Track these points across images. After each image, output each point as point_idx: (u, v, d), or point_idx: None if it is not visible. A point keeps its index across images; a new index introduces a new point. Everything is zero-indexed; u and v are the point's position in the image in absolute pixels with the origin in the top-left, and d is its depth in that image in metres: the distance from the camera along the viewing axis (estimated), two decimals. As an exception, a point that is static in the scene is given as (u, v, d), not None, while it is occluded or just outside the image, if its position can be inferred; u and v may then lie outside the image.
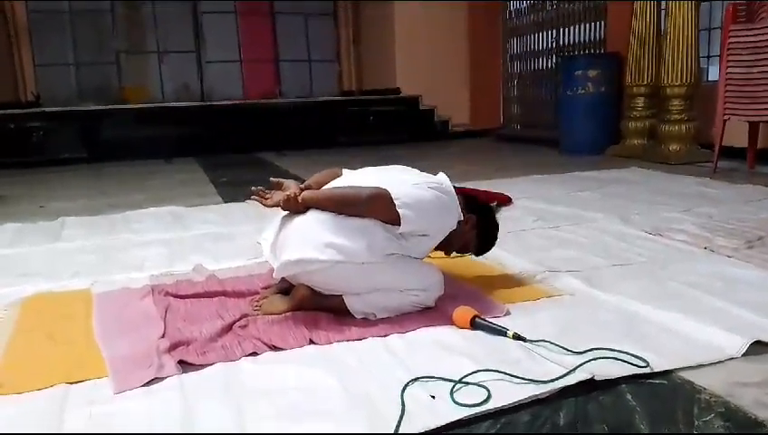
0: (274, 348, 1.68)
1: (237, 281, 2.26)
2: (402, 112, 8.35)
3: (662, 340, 1.65)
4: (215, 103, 8.28)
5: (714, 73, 5.81)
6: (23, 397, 1.46)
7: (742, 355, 1.55)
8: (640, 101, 5.83)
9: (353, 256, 1.77)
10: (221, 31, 9.31)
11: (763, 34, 4.34)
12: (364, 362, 1.58)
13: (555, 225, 3.10)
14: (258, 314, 1.91)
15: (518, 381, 1.42)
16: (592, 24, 6.96)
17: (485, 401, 1.35)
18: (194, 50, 9.21)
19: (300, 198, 1.86)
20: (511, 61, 8.66)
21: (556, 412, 1.32)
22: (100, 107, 7.62)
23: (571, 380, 1.42)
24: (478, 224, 2.07)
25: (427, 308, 1.89)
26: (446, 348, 1.64)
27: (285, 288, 2.02)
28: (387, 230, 1.83)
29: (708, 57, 5.94)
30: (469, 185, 3.94)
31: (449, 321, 1.78)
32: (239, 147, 7.32)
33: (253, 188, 1.95)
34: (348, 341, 1.71)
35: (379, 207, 1.81)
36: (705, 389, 1.40)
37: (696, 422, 1.27)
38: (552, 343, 1.61)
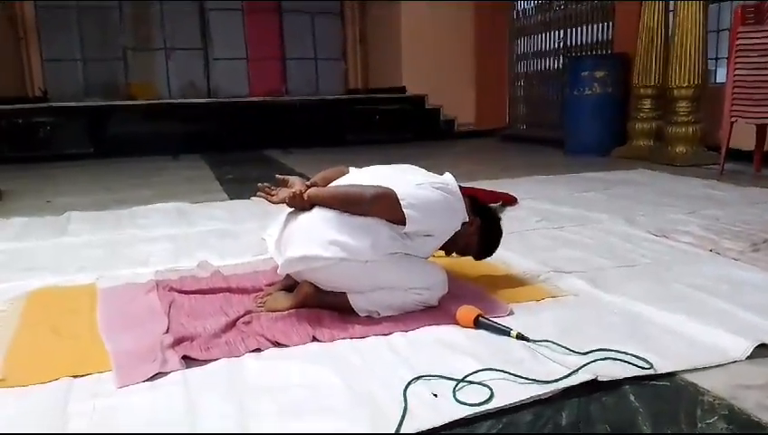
0: (278, 345, 1.68)
1: (242, 277, 2.27)
2: (408, 111, 8.34)
3: (666, 342, 1.65)
4: (221, 100, 8.29)
5: (721, 75, 5.79)
6: (27, 390, 1.47)
7: (746, 358, 1.55)
8: (647, 103, 5.81)
9: (357, 254, 1.78)
10: (228, 28, 9.32)
11: (771, 37, 4.32)
12: (367, 359, 1.58)
13: (560, 225, 3.10)
14: (262, 311, 1.91)
15: (521, 380, 1.42)
16: (600, 24, 6.94)
17: (488, 400, 1.35)
18: (201, 47, 9.23)
19: (305, 196, 1.87)
20: (517, 61, 8.64)
21: (558, 413, 1.32)
22: (107, 103, 7.64)
23: (573, 380, 1.41)
24: (482, 228, 2.07)
25: (431, 307, 1.89)
26: (450, 347, 1.64)
27: (289, 285, 2.02)
28: (392, 229, 1.83)
29: (716, 59, 5.91)
30: (474, 185, 3.95)
31: (453, 320, 1.78)
32: (245, 144, 7.33)
33: (259, 184, 1.95)
34: (351, 338, 1.71)
35: (384, 206, 1.81)
36: (708, 391, 1.40)
37: (700, 424, 1.27)
38: (555, 344, 1.61)
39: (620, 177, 4.70)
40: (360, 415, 1.31)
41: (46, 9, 8.47)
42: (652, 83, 5.72)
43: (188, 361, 1.59)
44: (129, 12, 8.93)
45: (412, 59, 8.58)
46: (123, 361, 1.58)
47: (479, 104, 9.07)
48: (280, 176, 2.03)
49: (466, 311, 1.77)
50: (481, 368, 1.48)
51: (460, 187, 2.03)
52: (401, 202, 1.80)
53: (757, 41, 4.40)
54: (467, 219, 2.00)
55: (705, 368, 1.50)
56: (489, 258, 2.20)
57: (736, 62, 4.54)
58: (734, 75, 4.55)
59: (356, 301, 1.84)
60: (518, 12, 8.52)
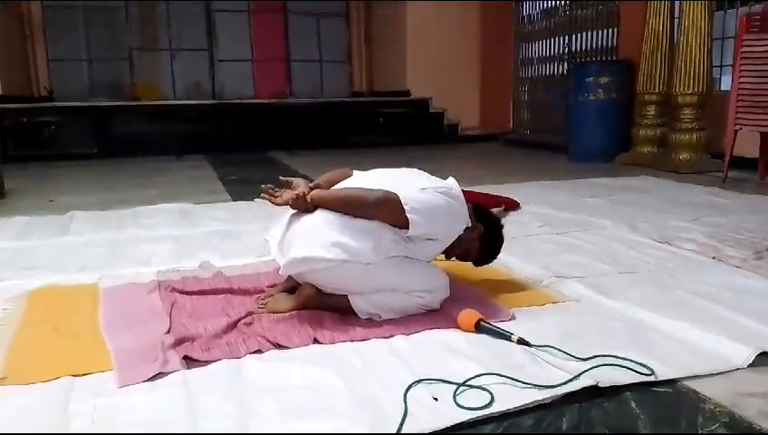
0: (279, 346, 1.68)
1: (244, 279, 2.27)
2: (412, 114, 8.35)
3: (668, 348, 1.65)
4: (226, 102, 8.31)
5: (726, 83, 5.77)
6: (28, 388, 1.47)
7: (749, 366, 1.55)
8: (651, 109, 5.81)
9: (359, 257, 1.78)
10: (233, 29, 9.34)
11: (776, 45, 4.32)
12: (368, 362, 1.58)
13: (563, 231, 3.09)
14: (263, 312, 1.92)
15: (521, 385, 1.42)
16: (605, 30, 6.93)
17: (488, 404, 1.35)
18: (206, 48, 9.25)
19: (309, 198, 1.87)
20: (522, 65, 8.64)
21: (559, 418, 1.32)
22: (112, 103, 7.66)
23: (574, 386, 1.41)
24: (484, 235, 2.07)
25: (432, 310, 1.89)
26: (451, 351, 1.64)
27: (291, 287, 2.02)
28: (394, 233, 1.83)
29: (721, 66, 5.90)
30: (477, 189, 3.94)
31: (454, 324, 1.78)
32: (249, 145, 7.34)
33: (262, 186, 1.96)
34: (352, 341, 1.71)
35: (387, 210, 1.81)
36: (710, 398, 1.39)
37: (700, 432, 1.27)
38: (556, 349, 1.61)
39: (624, 183, 4.69)
40: (360, 417, 1.31)
41: (53, 9, 8.50)
42: (657, 90, 5.72)
43: (189, 361, 1.59)
44: (136, 12, 8.96)
45: (417, 62, 8.60)
46: (124, 360, 1.58)
47: (483, 108, 9.07)
48: (283, 178, 2.03)
49: (468, 315, 1.77)
50: (482, 372, 1.48)
51: (463, 191, 2.03)
52: (404, 206, 1.80)
53: (762, 49, 4.40)
54: (470, 224, 2.00)
55: (706, 375, 1.50)
56: (491, 263, 2.20)
57: (741, 70, 4.53)
58: (739, 83, 4.55)
59: (357, 303, 1.84)
60: (523, 17, 8.52)
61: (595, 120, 6.12)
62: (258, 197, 1.97)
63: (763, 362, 1.56)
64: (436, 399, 1.37)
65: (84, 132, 7.03)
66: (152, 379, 1.50)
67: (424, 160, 5.41)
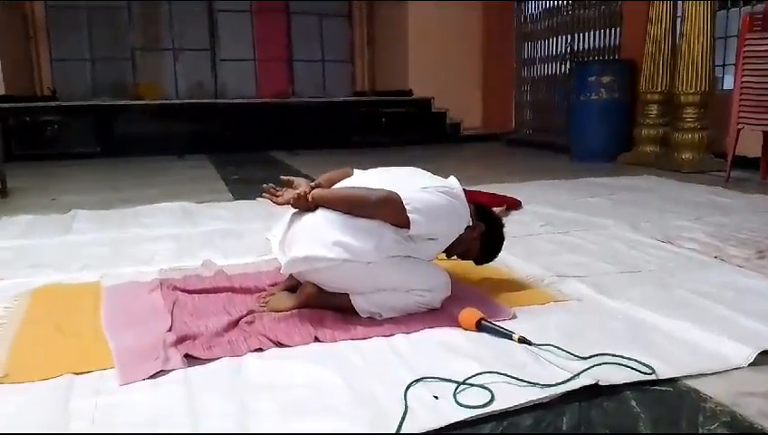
0: (280, 345, 1.69)
1: (245, 277, 2.27)
2: (414, 114, 8.35)
3: (669, 348, 1.65)
4: (228, 101, 8.32)
5: (728, 82, 5.76)
6: (29, 386, 1.48)
7: (749, 365, 1.55)
8: (654, 109, 5.80)
9: (361, 256, 1.78)
10: (236, 29, 9.34)
11: (779, 44, 4.31)
12: (369, 360, 1.59)
13: (564, 230, 3.09)
14: (265, 311, 1.92)
15: (522, 384, 1.42)
16: (607, 30, 6.93)
17: (489, 402, 1.35)
18: (208, 48, 9.26)
19: (310, 197, 1.88)
20: (524, 65, 8.63)
21: (559, 417, 1.32)
22: (115, 102, 7.67)
23: (575, 384, 1.41)
24: (485, 234, 2.07)
25: (433, 309, 1.89)
26: (451, 349, 1.64)
27: (292, 286, 2.02)
28: (396, 232, 1.84)
29: (723, 66, 5.89)
30: (479, 188, 3.95)
31: (455, 322, 1.78)
32: (251, 145, 7.35)
33: (264, 185, 1.96)
34: (353, 339, 1.72)
35: (388, 210, 1.82)
36: (710, 397, 1.39)
37: (701, 431, 1.26)
38: (557, 348, 1.61)
39: (626, 182, 4.69)
40: (360, 416, 1.31)
41: (56, 9, 8.52)
42: (659, 89, 5.71)
43: (191, 359, 1.59)
44: (138, 12, 8.97)
45: (419, 62, 8.60)
46: (126, 358, 1.59)
47: (485, 108, 9.07)
48: (285, 177, 2.04)
49: (469, 313, 1.77)
50: (482, 371, 1.48)
51: (465, 190, 2.03)
52: (406, 206, 1.80)
53: (765, 48, 4.39)
54: (471, 223, 2.00)
55: (707, 374, 1.50)
56: (492, 262, 2.20)
57: (744, 69, 4.53)
58: (742, 82, 4.54)
59: (358, 302, 1.85)
60: (525, 16, 8.51)
61: (597, 120, 6.12)
62: (260, 196, 1.97)
63: (764, 362, 1.56)
64: (436, 397, 1.37)
65: (87, 132, 7.04)
66: (153, 377, 1.50)
67: (426, 160, 5.41)
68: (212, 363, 1.59)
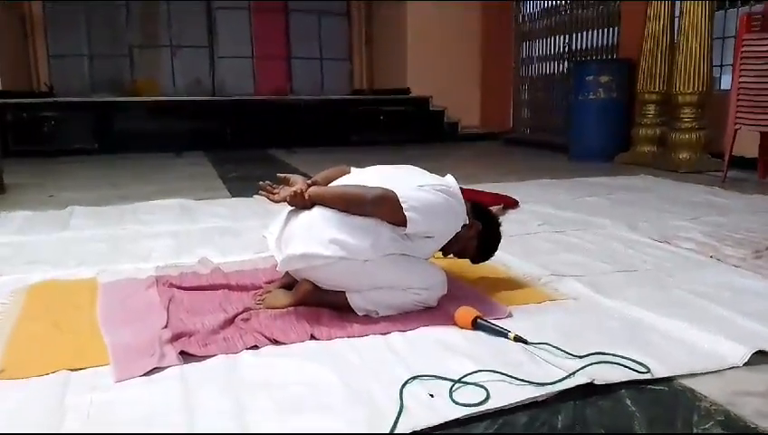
0: (276, 342, 1.69)
1: (242, 275, 2.27)
2: (412, 113, 8.35)
3: (665, 347, 1.65)
4: (226, 98, 8.31)
5: (726, 82, 5.77)
6: (25, 382, 1.47)
7: (745, 365, 1.55)
8: (651, 109, 5.81)
9: (357, 254, 1.78)
10: (234, 26, 9.33)
11: (777, 45, 4.31)
12: (365, 358, 1.59)
13: (561, 229, 3.09)
14: (261, 308, 1.92)
15: (517, 382, 1.42)
16: (605, 29, 6.93)
17: (484, 401, 1.35)
18: (206, 45, 9.25)
19: (306, 195, 1.87)
20: (522, 64, 8.64)
21: (554, 415, 1.32)
22: (113, 99, 7.66)
23: (570, 383, 1.42)
24: (481, 232, 2.07)
25: (430, 307, 1.89)
26: (447, 348, 1.64)
27: (289, 283, 2.02)
28: (392, 230, 1.84)
29: (721, 66, 5.90)
30: (477, 187, 3.95)
31: (451, 321, 1.78)
32: (249, 143, 7.35)
33: (260, 183, 1.96)
34: (349, 337, 1.72)
35: (385, 208, 1.81)
36: (705, 397, 1.40)
37: (695, 430, 1.27)
38: (553, 347, 1.61)
39: (623, 182, 4.69)
40: (356, 413, 1.31)
41: (54, 6, 8.49)
42: (657, 89, 5.71)
43: (186, 356, 1.59)
44: (136, 9, 8.95)
45: (418, 61, 8.60)
46: (121, 355, 1.59)
47: (484, 107, 9.07)
48: (281, 175, 2.03)
49: (465, 312, 1.77)
50: (478, 369, 1.48)
51: (462, 189, 2.03)
52: (402, 204, 1.80)
53: (762, 48, 4.40)
54: (468, 222, 2.00)
55: (703, 374, 1.50)
56: (489, 260, 2.20)
57: (741, 70, 4.53)
58: (739, 82, 4.55)
59: (355, 300, 1.85)
60: (523, 15, 8.52)
61: (595, 120, 6.12)
62: (257, 193, 1.97)
63: (759, 362, 1.57)
64: (432, 395, 1.38)
65: (85, 128, 7.03)
66: (149, 374, 1.50)
67: (424, 159, 5.41)
68: (208, 361, 1.58)
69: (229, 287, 2.13)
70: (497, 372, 1.46)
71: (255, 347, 1.66)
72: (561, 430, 1.27)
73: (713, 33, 5.31)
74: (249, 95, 9.06)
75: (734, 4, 5.67)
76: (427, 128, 8.32)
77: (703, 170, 5.16)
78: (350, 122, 8.03)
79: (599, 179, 4.81)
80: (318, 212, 1.86)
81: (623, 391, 1.42)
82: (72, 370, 1.52)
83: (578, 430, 1.27)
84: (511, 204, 3.66)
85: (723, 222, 3.23)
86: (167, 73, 9.22)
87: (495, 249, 2.17)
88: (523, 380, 1.43)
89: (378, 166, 2.13)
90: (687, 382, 1.46)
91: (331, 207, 1.85)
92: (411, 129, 8.22)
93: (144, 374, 1.49)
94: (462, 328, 1.75)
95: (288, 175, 2.03)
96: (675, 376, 1.49)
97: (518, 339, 1.65)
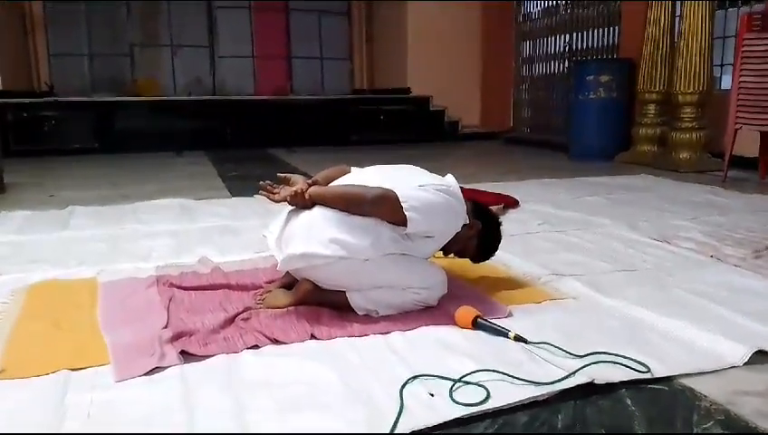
0: (276, 342, 1.69)
1: (242, 274, 2.27)
2: (412, 112, 8.35)
3: (665, 346, 1.65)
4: (226, 98, 8.30)
5: (726, 82, 5.77)
6: (25, 382, 1.48)
7: (745, 364, 1.55)
8: (652, 108, 5.81)
9: (357, 253, 1.78)
10: (235, 26, 9.33)
11: (777, 44, 4.31)
12: (365, 358, 1.59)
13: (561, 229, 3.09)
14: (261, 308, 1.92)
15: (517, 382, 1.42)
16: (606, 29, 6.93)
17: (484, 400, 1.35)
18: (207, 44, 9.25)
19: (307, 194, 1.87)
20: (523, 64, 8.64)
21: (554, 415, 1.32)
22: (113, 98, 7.66)
23: (570, 383, 1.42)
24: (481, 232, 2.07)
25: (430, 307, 1.89)
26: (448, 347, 1.64)
27: (289, 283, 2.03)
28: (393, 230, 1.84)
29: (722, 65, 5.90)
30: (477, 187, 3.95)
31: (451, 320, 1.78)
32: (249, 142, 7.35)
33: (261, 182, 1.96)
34: (349, 337, 1.72)
35: (385, 208, 1.81)
36: (705, 396, 1.40)
37: (695, 429, 1.27)
38: (553, 346, 1.61)
39: (623, 182, 4.69)
40: (356, 413, 1.31)
41: (54, 6, 8.49)
42: (657, 89, 5.71)
43: (186, 356, 1.59)
44: (137, 8, 8.95)
45: (418, 60, 8.59)
46: (122, 354, 1.59)
47: (484, 106, 9.07)
48: (282, 174, 2.03)
49: (465, 311, 1.77)
50: (478, 369, 1.48)
51: (462, 188, 2.03)
52: (403, 204, 1.80)
53: (763, 48, 4.40)
54: (468, 221, 2.00)
55: (702, 373, 1.50)
56: (489, 260, 2.20)
57: (742, 69, 4.53)
58: (740, 82, 4.54)
59: (355, 299, 1.85)
60: (524, 15, 8.52)
61: (595, 119, 6.12)
62: (257, 193, 1.97)
63: (759, 361, 1.57)
64: (432, 395, 1.38)
65: (85, 127, 7.03)
66: (149, 373, 1.50)
67: (424, 158, 5.41)
68: (208, 360, 1.58)
69: (229, 287, 2.13)
70: (497, 372, 1.46)
71: (256, 347, 1.66)
72: (562, 429, 1.27)
73: (713, 33, 5.31)
74: (249, 94, 9.07)
75: (735, 4, 5.67)
76: (427, 127, 8.32)
77: (703, 170, 5.16)
78: (350, 122, 8.03)
79: (599, 179, 4.81)
80: (318, 212, 1.86)
81: (623, 390, 1.42)
82: (72, 369, 1.52)
83: (578, 430, 1.27)
84: (511, 203, 3.66)
85: (723, 222, 3.23)
86: (167, 73, 9.22)
87: (496, 249, 2.17)
88: (523, 379, 1.43)
89: (378, 165, 2.12)
90: (687, 382, 1.46)
91: (331, 207, 1.85)
92: (411, 128, 8.22)
93: (144, 374, 1.50)
94: (462, 328, 1.75)
95: (288, 174, 2.03)
96: (675, 376, 1.49)
97: (518, 338, 1.65)
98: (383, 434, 1.24)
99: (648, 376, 1.47)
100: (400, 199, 1.80)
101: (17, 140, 6.64)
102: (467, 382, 1.43)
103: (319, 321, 1.80)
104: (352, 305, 1.85)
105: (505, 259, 2.42)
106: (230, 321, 1.81)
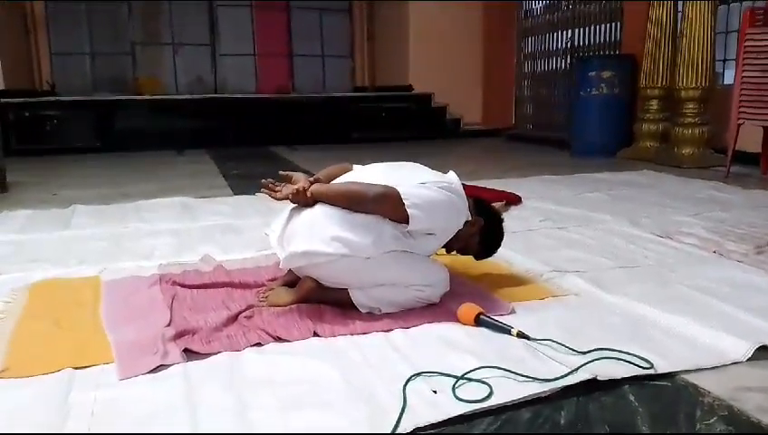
0: (279, 339, 1.69)
1: (244, 272, 2.27)
2: (414, 110, 8.34)
3: (667, 343, 1.65)
4: (228, 96, 8.30)
5: (729, 77, 5.76)
6: (29, 381, 1.48)
7: (748, 360, 1.55)
8: (654, 104, 5.80)
9: (359, 251, 1.78)
10: (236, 24, 9.32)
11: (780, 39, 4.30)
12: (367, 355, 1.59)
13: (563, 225, 3.09)
14: (264, 306, 1.92)
15: (520, 378, 1.42)
16: (608, 25, 6.92)
17: (487, 397, 1.35)
18: (208, 43, 9.25)
19: (309, 192, 1.87)
20: (524, 60, 8.62)
21: (557, 411, 1.32)
22: (115, 97, 7.66)
23: (573, 379, 1.42)
24: (484, 229, 2.07)
25: (432, 304, 1.89)
26: (450, 344, 1.64)
27: (291, 281, 2.03)
28: (395, 228, 1.84)
29: (724, 61, 5.89)
30: (479, 184, 3.94)
31: (454, 317, 1.78)
32: (251, 140, 7.34)
33: (263, 181, 1.96)
34: (352, 334, 1.72)
35: (387, 205, 1.82)
36: (708, 392, 1.40)
37: (698, 425, 1.27)
38: (556, 343, 1.61)
39: (626, 178, 4.68)
40: (359, 411, 1.31)
41: (56, 5, 8.49)
42: (659, 84, 5.70)
43: (190, 354, 1.59)
44: (138, 7, 8.94)
45: (420, 57, 8.58)
46: (125, 353, 1.59)
47: (486, 104, 9.05)
48: (283, 172, 2.04)
49: (468, 308, 1.77)
50: (481, 366, 1.48)
51: (464, 185, 2.03)
52: (405, 201, 1.80)
53: (766, 43, 4.38)
54: (470, 218, 2.00)
55: (705, 369, 1.50)
56: (491, 257, 2.20)
57: (744, 64, 4.52)
58: (742, 77, 4.53)
59: (357, 297, 1.85)
60: (525, 11, 8.50)
61: (598, 115, 6.11)
62: (259, 191, 1.97)
63: (762, 357, 1.56)
64: (435, 392, 1.38)
65: (87, 126, 7.03)
66: (153, 371, 1.51)
67: (426, 156, 5.40)
68: (211, 358, 1.59)
69: (232, 285, 2.13)
70: (500, 369, 1.46)
71: (258, 344, 1.66)
72: (565, 426, 1.27)
73: (715, 28, 5.29)
74: (251, 93, 9.06)
75: (737, -1, 5.65)
76: (429, 125, 8.31)
77: (706, 166, 5.15)
78: (351, 120, 8.02)
79: (601, 175, 4.80)
80: (320, 210, 1.86)
81: (626, 386, 1.42)
82: (75, 368, 1.52)
83: (581, 427, 1.27)
84: (513, 200, 3.65)
85: (725, 217, 3.22)
86: (169, 71, 9.22)
87: (498, 246, 2.17)
88: (526, 376, 1.43)
89: (380, 163, 2.12)
90: (690, 378, 1.46)
91: (333, 205, 1.85)
92: (413, 126, 8.21)
93: (148, 372, 1.50)
94: (465, 325, 1.75)
95: (290, 172, 2.03)
96: (677, 372, 1.49)
97: (521, 335, 1.65)
98: (386, 434, 1.23)
99: (650, 372, 1.47)
100: (402, 197, 1.80)
101: (19, 140, 6.64)
102: (470, 379, 1.43)
103: (321, 318, 1.81)
104: (355, 303, 1.85)
105: (507, 256, 2.42)
106: (233, 319, 1.81)
